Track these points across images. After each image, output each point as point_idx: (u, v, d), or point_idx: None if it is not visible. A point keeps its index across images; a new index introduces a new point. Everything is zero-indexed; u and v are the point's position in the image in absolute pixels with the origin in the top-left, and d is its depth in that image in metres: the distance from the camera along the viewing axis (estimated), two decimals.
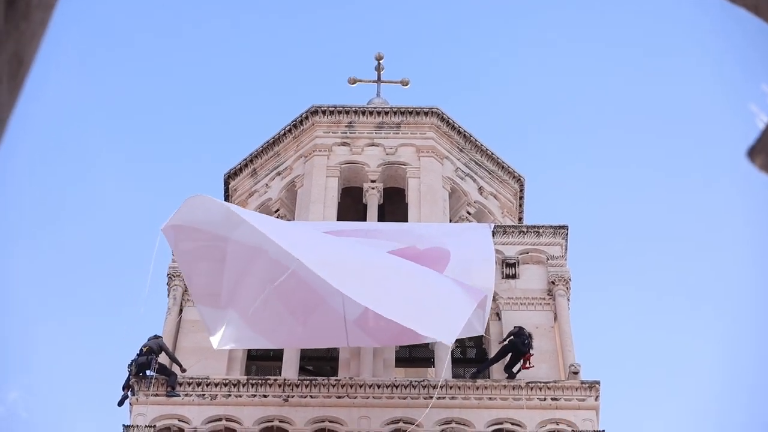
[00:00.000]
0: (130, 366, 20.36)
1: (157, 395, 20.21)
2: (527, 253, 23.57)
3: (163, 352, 20.63)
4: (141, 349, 20.53)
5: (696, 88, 50.75)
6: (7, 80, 3.99)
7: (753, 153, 5.12)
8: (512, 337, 20.95)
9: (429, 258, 19.86)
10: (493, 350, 21.85)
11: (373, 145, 27.43)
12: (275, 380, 20.56)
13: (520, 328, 21.15)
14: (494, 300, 21.68)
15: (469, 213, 27.17)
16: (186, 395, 20.31)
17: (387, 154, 27.20)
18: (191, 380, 20.49)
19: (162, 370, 20.44)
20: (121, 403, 20.18)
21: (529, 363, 20.73)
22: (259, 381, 20.54)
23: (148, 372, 20.32)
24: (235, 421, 20.12)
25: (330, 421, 20.17)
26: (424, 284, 18.86)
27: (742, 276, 43.86)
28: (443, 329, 17.93)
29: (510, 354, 20.96)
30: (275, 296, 19.21)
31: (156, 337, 21.00)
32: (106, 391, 49.98)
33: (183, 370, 20.60)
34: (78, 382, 46.53)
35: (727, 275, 47.68)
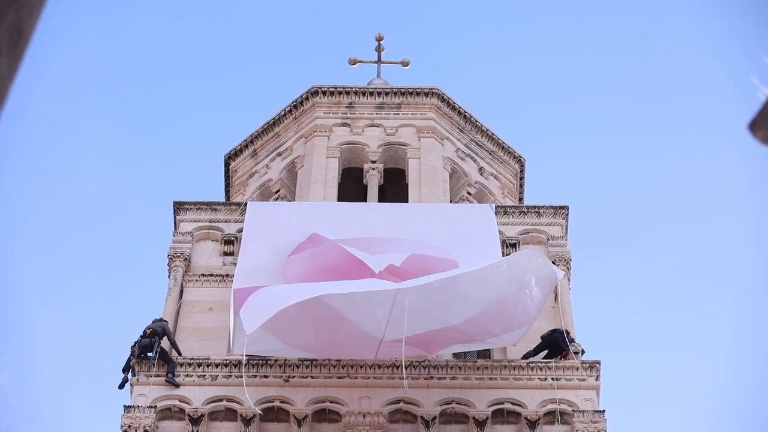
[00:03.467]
0: (133, 347, 20.34)
1: (158, 375, 20.22)
2: (528, 233, 23.57)
3: (165, 336, 20.62)
4: (145, 331, 20.50)
5: (696, 65, 50.63)
6: (7, 51, 3.98)
7: (754, 126, 5.10)
8: (552, 333, 20.88)
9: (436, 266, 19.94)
10: None
11: (373, 125, 27.41)
12: (276, 361, 20.53)
13: (556, 330, 21.08)
14: None
15: (469, 194, 27.15)
16: (187, 376, 20.32)
17: (387, 135, 27.18)
18: (192, 361, 20.50)
19: (163, 355, 20.40)
20: (121, 386, 20.14)
21: (568, 359, 20.73)
22: (260, 362, 20.52)
23: (149, 354, 20.30)
24: (236, 402, 20.11)
25: (331, 402, 20.17)
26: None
27: (744, 256, 43.89)
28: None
29: (547, 350, 20.88)
30: (305, 319, 19.27)
31: (161, 320, 20.98)
32: (105, 373, 50.09)
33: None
34: (75, 366, 46.49)
35: (729, 255, 47.69)
